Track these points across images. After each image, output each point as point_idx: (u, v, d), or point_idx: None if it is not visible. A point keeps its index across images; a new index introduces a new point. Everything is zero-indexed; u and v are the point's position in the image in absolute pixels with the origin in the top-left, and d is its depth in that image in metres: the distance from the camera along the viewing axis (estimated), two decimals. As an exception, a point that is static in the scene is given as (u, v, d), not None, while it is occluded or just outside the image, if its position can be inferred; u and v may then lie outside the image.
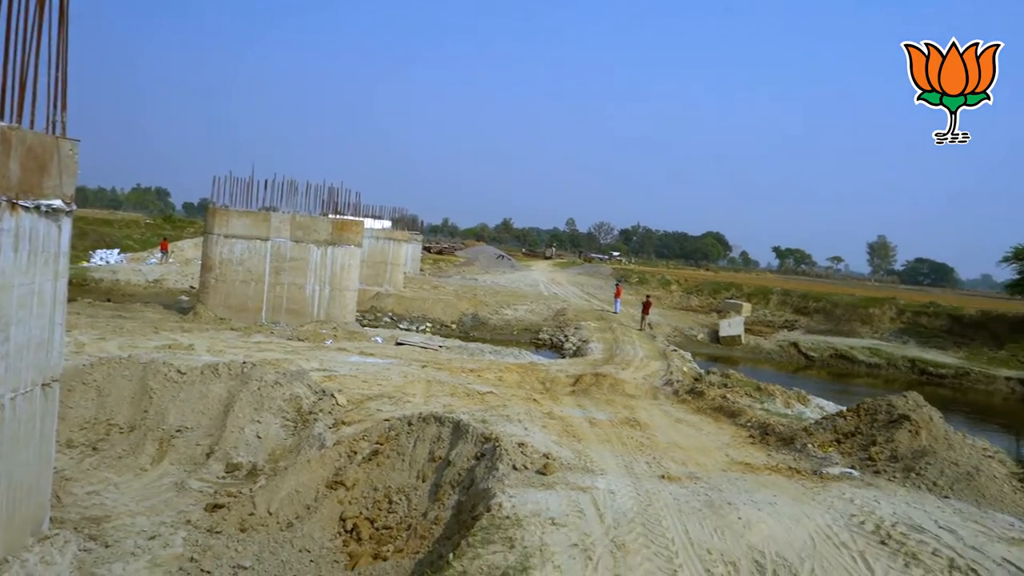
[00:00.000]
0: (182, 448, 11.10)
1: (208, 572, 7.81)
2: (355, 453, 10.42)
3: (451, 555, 6.62)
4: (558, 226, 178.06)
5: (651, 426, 13.09)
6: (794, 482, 9.81)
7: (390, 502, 9.41)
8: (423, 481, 9.68)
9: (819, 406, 17.65)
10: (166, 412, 11.63)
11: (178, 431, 11.37)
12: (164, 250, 46.89)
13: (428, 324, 34.61)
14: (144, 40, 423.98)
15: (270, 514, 9.29)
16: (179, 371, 12.47)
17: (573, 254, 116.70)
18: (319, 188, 27.32)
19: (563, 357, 27.67)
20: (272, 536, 8.78)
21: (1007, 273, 42.74)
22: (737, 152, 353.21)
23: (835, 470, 10.38)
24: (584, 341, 29.69)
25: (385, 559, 8.16)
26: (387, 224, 46.87)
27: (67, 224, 7.25)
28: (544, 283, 56.84)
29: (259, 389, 12.18)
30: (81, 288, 32.79)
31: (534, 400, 14.63)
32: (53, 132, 7.03)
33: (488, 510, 7.52)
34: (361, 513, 9.36)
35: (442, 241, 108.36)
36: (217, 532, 8.75)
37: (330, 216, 27.34)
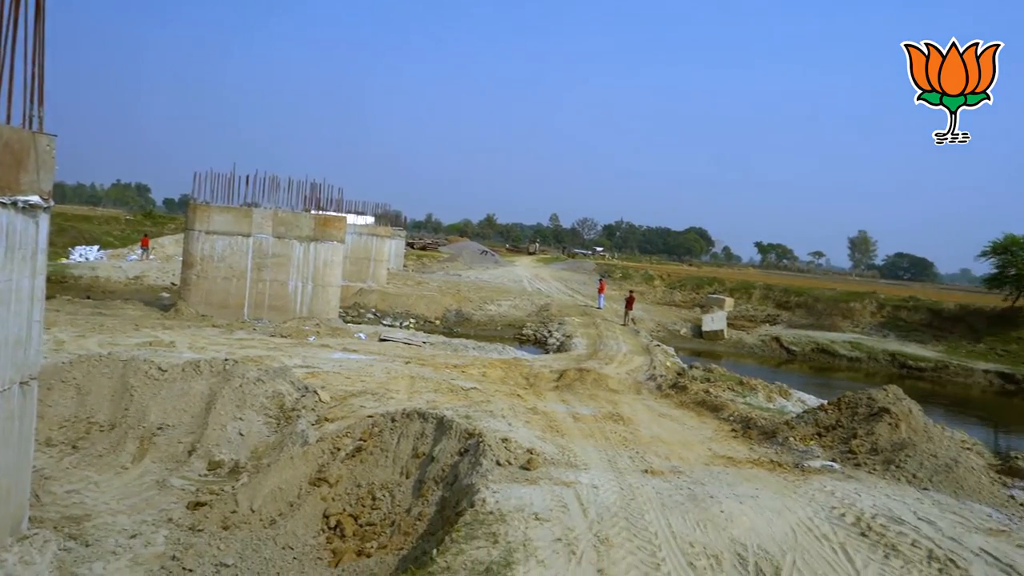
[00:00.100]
0: (163, 446, 11.01)
1: (190, 570, 7.76)
2: (338, 450, 10.39)
3: (435, 551, 6.62)
4: (542, 222, 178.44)
5: (634, 421, 13.14)
6: (776, 475, 9.89)
7: (374, 499, 9.39)
8: (407, 477, 9.67)
9: (801, 400, 17.80)
10: (147, 410, 11.54)
11: (159, 429, 11.29)
12: (145, 247, 46.46)
13: (412, 320, 34.54)
14: (123, 34, 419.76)
15: (253, 512, 9.24)
16: (160, 368, 12.38)
17: (557, 250, 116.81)
18: (301, 184, 27.25)
19: (547, 352, 27.71)
20: (255, 534, 8.74)
21: (985, 267, 43.15)
22: (720, 148, 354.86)
23: (816, 463, 10.47)
24: (568, 336, 29.75)
25: (369, 556, 8.14)
26: (370, 220, 46.68)
27: (45, 220, 7.17)
28: (528, 279, 56.88)
29: (241, 386, 12.11)
30: (60, 285, 32.47)
31: (518, 396, 14.65)
32: (30, 127, 6.94)
33: (472, 506, 7.53)
34: (345, 510, 9.33)
35: (425, 237, 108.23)
36: (199, 530, 8.70)
37: (312, 212, 27.22)
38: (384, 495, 9.41)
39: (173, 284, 34.79)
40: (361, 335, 24.00)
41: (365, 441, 10.48)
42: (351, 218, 39.06)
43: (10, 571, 6.93)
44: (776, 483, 9.46)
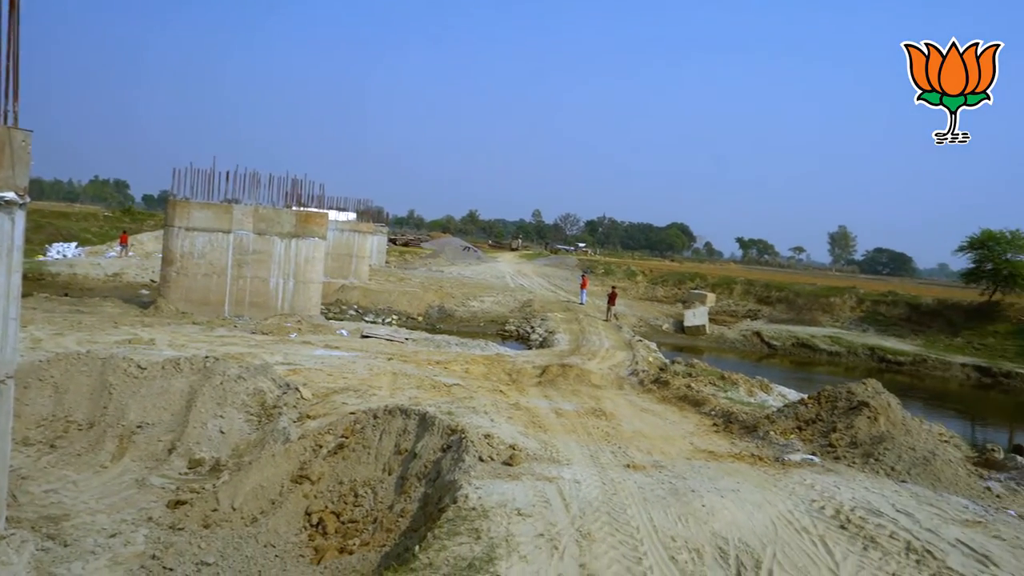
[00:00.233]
0: (143, 444, 10.92)
1: (170, 569, 7.70)
2: (320, 447, 10.35)
3: (417, 547, 6.62)
4: (524, 218, 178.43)
5: (617, 416, 13.19)
6: (757, 469, 9.97)
7: (356, 495, 9.36)
8: (389, 474, 9.65)
9: (781, 394, 17.93)
10: (126, 408, 11.44)
11: (139, 427, 11.19)
12: (124, 243, 45.96)
13: (394, 316, 34.45)
14: (100, 29, 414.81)
15: (234, 510, 9.19)
16: (139, 366, 12.27)
17: (539, 245, 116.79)
18: (282, 180, 27.01)
19: (529, 348, 27.73)
20: (236, 532, 8.70)
21: (963, 262, 43.61)
22: (704, 145, 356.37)
23: (796, 457, 10.56)
24: (550, 332, 29.78)
25: (351, 553, 8.13)
26: (352, 216, 46.44)
27: (21, 217, 7.07)
28: (510, 275, 56.89)
29: (222, 383, 12.03)
30: (37, 283, 32.08)
31: (500, 391, 14.66)
32: (5, 122, 6.85)
33: (454, 502, 7.53)
34: (327, 507, 9.30)
35: (408, 233, 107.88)
36: (180, 529, 8.64)
37: (294, 208, 27.03)
38: (366, 492, 9.39)
39: (153, 281, 34.47)
40: (343, 332, 23.91)
41: (347, 438, 10.45)
42: (333, 214, 38.88)
43: (-13, 572, 6.86)
44: (757, 477, 9.54)
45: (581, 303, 39.96)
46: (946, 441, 13.63)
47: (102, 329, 18.15)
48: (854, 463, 10.31)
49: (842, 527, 7.81)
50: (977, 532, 7.94)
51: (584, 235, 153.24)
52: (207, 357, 12.98)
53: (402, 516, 8.48)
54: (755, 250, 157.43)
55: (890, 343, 37.28)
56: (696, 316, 39.68)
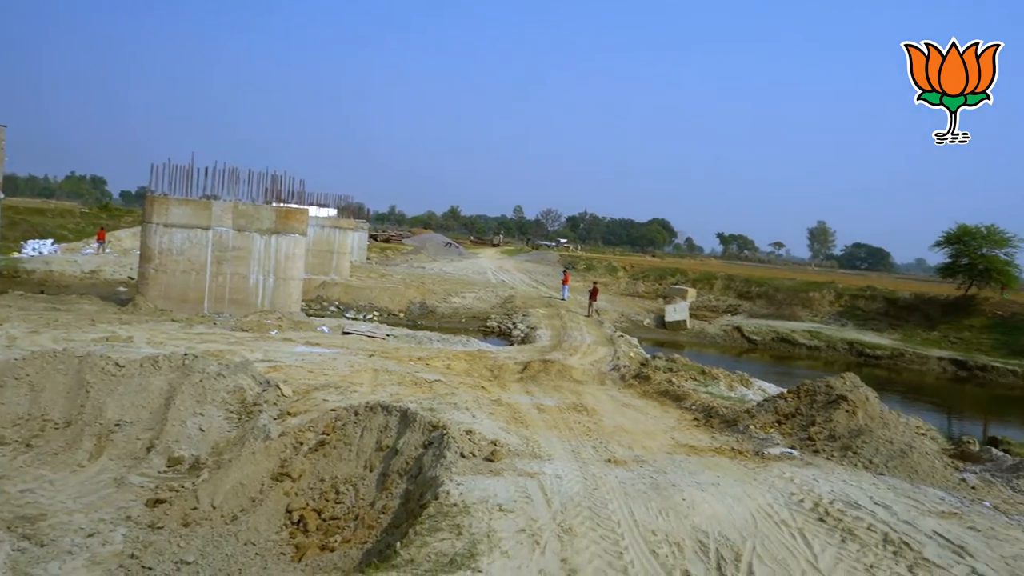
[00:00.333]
0: (121, 443, 10.83)
1: (149, 568, 7.64)
2: (301, 444, 10.30)
3: (399, 544, 6.60)
4: (506, 213, 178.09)
5: (598, 411, 13.23)
6: (737, 463, 10.04)
7: (337, 493, 9.33)
8: (370, 471, 9.62)
9: (761, 388, 18.08)
10: (104, 406, 11.33)
11: (117, 425, 11.09)
12: (101, 240, 45.46)
13: (375, 313, 34.35)
14: (74, 23, 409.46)
15: (214, 508, 9.13)
16: (117, 364, 12.15)
17: (521, 241, 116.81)
18: (262, 176, 26.85)
19: (511, 344, 27.76)
20: (216, 530, 8.65)
21: (939, 257, 44.27)
22: (682, 140, 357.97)
23: (776, 450, 10.65)
24: (532, 328, 29.82)
25: (332, 550, 8.10)
26: (333, 212, 46.27)
27: (-6, 213, 6.98)
28: (492, 270, 56.86)
29: (201, 381, 11.94)
30: (12, 280, 31.64)
31: (482, 387, 14.65)
32: (-23, 117, 6.74)
33: (436, 498, 7.52)
34: (308, 504, 9.26)
35: (389, 229, 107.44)
36: (159, 527, 8.58)
37: (274, 204, 26.87)
38: (348, 489, 9.36)
39: (130, 278, 34.12)
40: (324, 328, 23.79)
41: (328, 435, 10.40)
42: (313, 210, 38.69)
43: (-39, 573, 6.78)
44: (737, 471, 9.61)
45: (563, 299, 40.01)
46: (923, 434, 13.83)
47: (79, 327, 17.94)
48: (833, 456, 10.41)
49: (821, 520, 7.89)
50: (953, 523, 8.05)
51: (566, 231, 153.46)
52: (186, 354, 12.87)
53: (383, 513, 8.46)
54: (735, 245, 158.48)
55: (868, 337, 37.69)
56: (677, 311, 39.89)
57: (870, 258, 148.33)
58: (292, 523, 8.98)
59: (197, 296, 24.55)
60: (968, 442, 13.36)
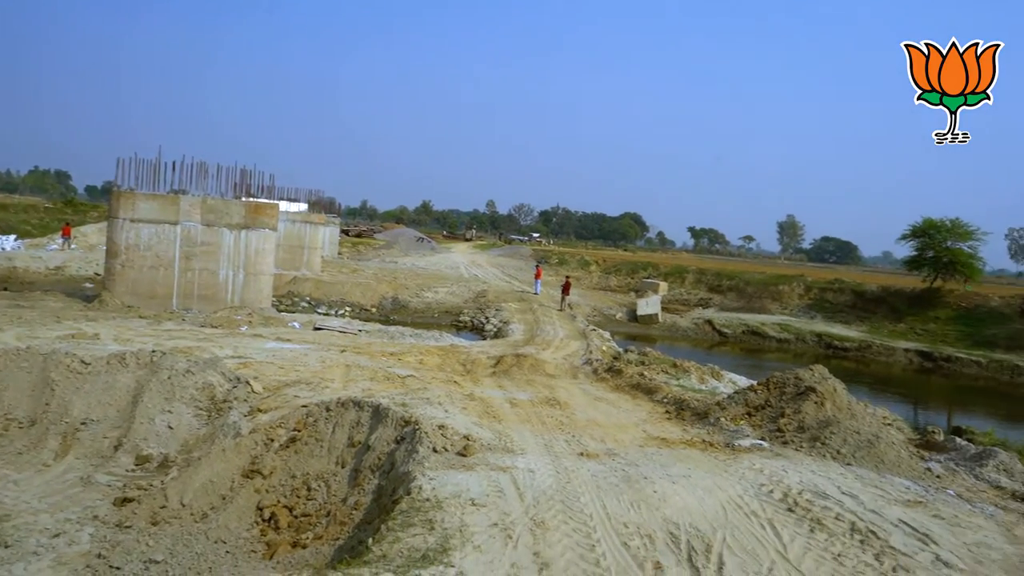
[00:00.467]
0: (88, 441, 10.66)
1: (117, 568, 7.54)
2: (272, 441, 10.22)
3: (371, 540, 6.58)
4: (478, 208, 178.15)
5: (570, 405, 13.27)
6: (708, 455, 10.13)
7: (309, 489, 9.27)
8: (342, 467, 9.57)
9: (732, 381, 18.26)
10: (70, 404, 11.14)
11: (83, 424, 10.91)
12: (66, 235, 44.64)
13: (347, 308, 34.12)
14: (38, 15, 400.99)
15: (183, 506, 9.03)
16: (83, 361, 11.95)
17: (493, 236, 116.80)
18: (231, 171, 26.48)
19: (484, 339, 27.74)
20: (186, 528, 8.55)
21: (905, 250, 45.07)
22: (653, 134, 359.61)
23: (746, 442, 10.76)
24: (505, 323, 29.83)
25: (304, 547, 8.05)
26: (303, 207, 45.83)
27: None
28: (465, 265, 56.79)
29: (170, 378, 11.78)
30: (-26, 277, 30.99)
31: (455, 382, 14.63)
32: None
33: (408, 493, 7.50)
34: (279, 501, 9.19)
35: (361, 224, 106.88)
36: (127, 527, 8.46)
37: (243, 199, 26.56)
38: (319, 485, 9.30)
39: (97, 275, 33.53)
40: (295, 324, 23.61)
41: (299, 431, 10.33)
42: (284, 205, 38.28)
43: (-78, 576, 6.64)
44: (708, 463, 9.69)
45: (535, 293, 40.09)
46: (889, 424, 14.06)
47: (43, 324, 17.62)
48: (802, 447, 10.54)
49: (790, 510, 7.99)
50: (918, 512, 8.20)
51: (538, 225, 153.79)
52: (154, 351, 12.69)
53: (356, 509, 8.43)
54: (706, 239, 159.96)
55: (836, 330, 38.23)
56: (649, 305, 40.13)
57: (838, 251, 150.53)
58: (263, 520, 8.90)
59: (165, 292, 24.22)
60: (933, 432, 13.62)
